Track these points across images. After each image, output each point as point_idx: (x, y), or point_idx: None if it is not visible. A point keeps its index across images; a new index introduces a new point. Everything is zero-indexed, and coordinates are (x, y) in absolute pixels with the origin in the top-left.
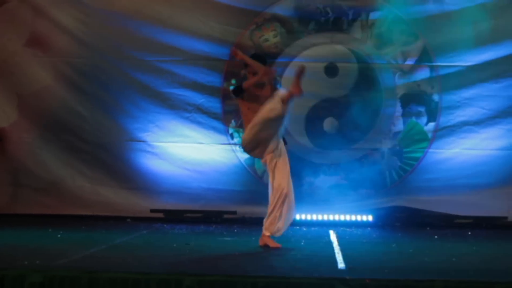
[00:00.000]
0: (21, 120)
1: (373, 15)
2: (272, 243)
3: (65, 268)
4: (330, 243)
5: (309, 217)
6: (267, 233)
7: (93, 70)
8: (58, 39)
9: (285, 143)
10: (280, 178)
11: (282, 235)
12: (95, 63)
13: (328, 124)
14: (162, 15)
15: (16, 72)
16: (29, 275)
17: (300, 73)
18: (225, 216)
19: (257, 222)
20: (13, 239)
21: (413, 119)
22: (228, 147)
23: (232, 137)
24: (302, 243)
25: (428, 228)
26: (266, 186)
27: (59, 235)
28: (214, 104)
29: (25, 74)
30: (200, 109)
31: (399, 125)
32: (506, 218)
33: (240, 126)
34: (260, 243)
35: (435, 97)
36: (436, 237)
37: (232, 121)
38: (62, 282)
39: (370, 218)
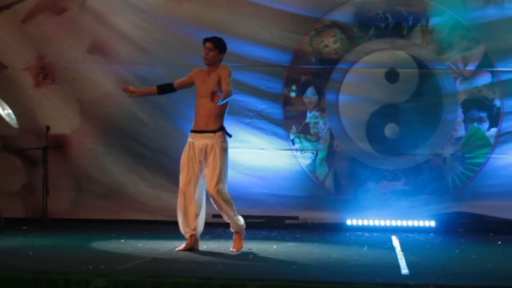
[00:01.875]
0: (83, 127)
1: (433, 21)
2: None
3: (129, 273)
4: (392, 248)
5: (371, 223)
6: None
7: (154, 76)
8: (119, 46)
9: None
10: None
11: (337, 240)
12: (155, 70)
13: (390, 130)
14: (222, 22)
15: (77, 79)
16: (93, 280)
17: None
18: (287, 221)
19: (319, 228)
20: (77, 244)
21: (475, 124)
22: (289, 153)
23: (293, 143)
24: (365, 249)
25: (491, 234)
26: (327, 192)
27: (122, 240)
28: (275, 110)
29: (87, 81)
30: (261, 115)
31: (461, 131)
32: None
33: (301, 132)
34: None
35: (497, 103)
36: (499, 242)
37: (293, 127)
38: (126, 287)
39: (433, 223)
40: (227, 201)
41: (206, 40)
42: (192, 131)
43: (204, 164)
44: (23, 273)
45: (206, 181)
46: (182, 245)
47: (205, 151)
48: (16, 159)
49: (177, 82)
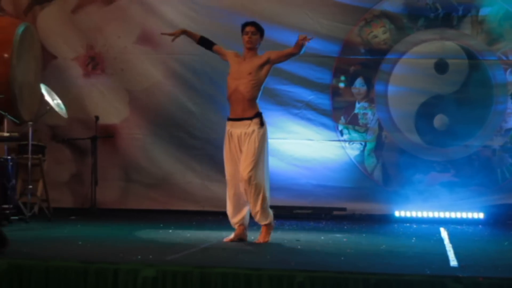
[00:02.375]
0: (132, 117)
1: (483, 11)
2: None
3: (177, 263)
4: (441, 240)
5: (419, 214)
6: None
7: (202, 66)
8: (167, 36)
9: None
10: None
11: (385, 232)
12: (204, 60)
13: (438, 121)
14: (271, 12)
15: (126, 69)
16: (142, 270)
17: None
18: (335, 212)
19: (367, 219)
20: (125, 234)
21: None
22: (337, 143)
23: (341, 133)
24: (413, 240)
25: None
26: (376, 183)
27: (170, 230)
28: (323, 100)
29: (136, 71)
30: (309, 106)
31: (511, 122)
32: None
33: (350, 123)
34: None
35: None
36: None
37: (342, 117)
38: (175, 277)
39: (481, 215)
40: (258, 190)
41: (247, 24)
42: (229, 119)
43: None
44: (72, 263)
45: (240, 168)
46: (230, 235)
47: (243, 140)
48: (65, 149)
49: (217, 46)
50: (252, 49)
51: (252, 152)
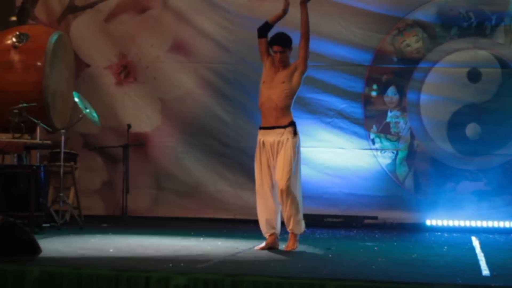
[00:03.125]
0: (164, 125)
1: None
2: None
3: (208, 271)
4: (472, 249)
5: (451, 223)
6: None
7: (235, 76)
8: (200, 45)
9: None
10: None
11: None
12: (236, 69)
13: (471, 130)
14: None
15: (159, 78)
16: (173, 278)
17: None
18: (366, 221)
19: (398, 228)
20: (157, 241)
21: None
22: (369, 152)
23: (373, 142)
24: (445, 249)
25: None
26: (408, 191)
27: (201, 238)
28: (355, 109)
29: (168, 79)
30: (341, 114)
31: None
32: None
33: (382, 132)
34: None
35: None
36: None
37: (374, 126)
38: (206, 285)
39: None
40: (294, 199)
41: (274, 43)
42: (261, 128)
43: (275, 161)
44: (104, 270)
45: (276, 178)
46: (262, 244)
47: (276, 148)
48: (97, 156)
49: (266, 40)
50: (285, 66)
51: (289, 162)
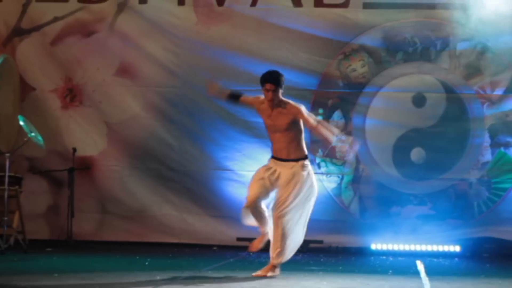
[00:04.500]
0: (109, 149)
1: (461, 45)
2: None
3: None
4: (417, 273)
5: (396, 247)
6: None
7: (181, 99)
8: (147, 69)
9: None
10: None
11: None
12: (183, 92)
13: (416, 154)
14: (250, 45)
15: (105, 101)
16: None
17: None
18: (311, 245)
19: (343, 252)
20: (101, 265)
21: (502, 149)
22: (315, 176)
23: (319, 166)
24: (389, 273)
25: None
26: (353, 216)
27: (146, 263)
28: None
29: (114, 103)
30: None
31: (487, 156)
32: None
33: (328, 156)
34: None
35: None
36: None
37: (320, 150)
38: None
39: (458, 248)
40: (285, 233)
41: (266, 81)
42: (274, 158)
43: (277, 186)
44: None
45: (278, 203)
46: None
47: (285, 178)
48: (42, 180)
49: (244, 97)
50: (275, 104)
51: (294, 193)
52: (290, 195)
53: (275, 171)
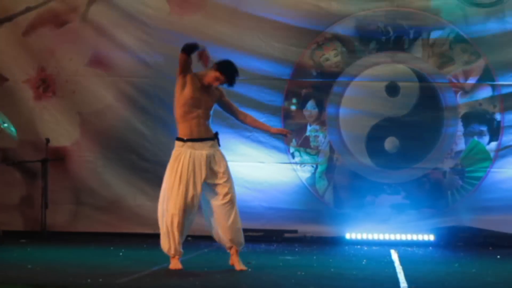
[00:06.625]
0: (83, 139)
1: (434, 34)
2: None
3: (127, 287)
4: (391, 262)
5: (370, 237)
6: None
7: (155, 89)
8: (119, 59)
9: None
10: None
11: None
12: (156, 82)
13: (389, 143)
14: (223, 35)
15: (77, 92)
16: None
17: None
18: (286, 235)
19: (318, 241)
20: (75, 257)
21: (475, 138)
22: (289, 166)
23: (293, 156)
24: (364, 263)
25: (490, 248)
26: (327, 205)
27: (120, 253)
28: (275, 123)
29: (87, 93)
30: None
31: (461, 145)
32: None
33: (301, 145)
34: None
35: (497, 116)
36: (498, 257)
37: (293, 140)
38: None
39: (432, 237)
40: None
41: (229, 77)
42: (188, 140)
43: (212, 175)
44: (22, 286)
45: (221, 191)
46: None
47: (210, 161)
48: (15, 171)
49: (190, 61)
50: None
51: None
52: (230, 176)
53: (195, 160)
